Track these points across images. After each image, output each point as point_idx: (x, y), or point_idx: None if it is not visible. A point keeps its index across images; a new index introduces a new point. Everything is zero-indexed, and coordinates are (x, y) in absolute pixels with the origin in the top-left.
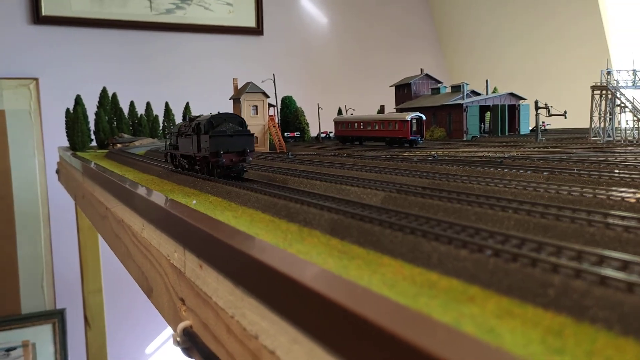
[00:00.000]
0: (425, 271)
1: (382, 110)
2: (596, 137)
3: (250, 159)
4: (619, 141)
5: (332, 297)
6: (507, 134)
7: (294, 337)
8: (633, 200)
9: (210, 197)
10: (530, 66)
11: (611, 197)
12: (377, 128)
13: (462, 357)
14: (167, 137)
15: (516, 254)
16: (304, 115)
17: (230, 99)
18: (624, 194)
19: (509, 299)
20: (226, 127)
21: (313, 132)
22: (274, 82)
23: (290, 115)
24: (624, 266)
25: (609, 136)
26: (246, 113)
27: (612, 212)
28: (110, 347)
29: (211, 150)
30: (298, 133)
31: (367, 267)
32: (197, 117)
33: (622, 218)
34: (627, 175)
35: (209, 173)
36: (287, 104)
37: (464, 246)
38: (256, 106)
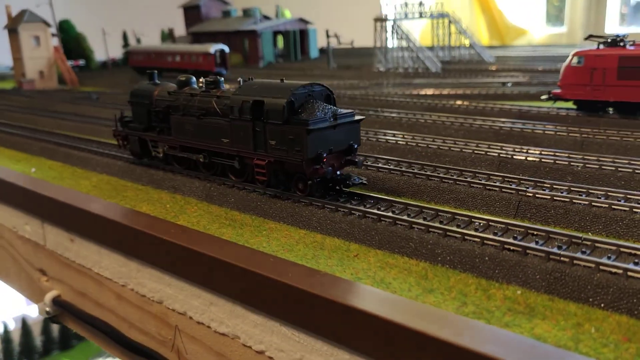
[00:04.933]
0: (309, 232)
1: (171, 34)
2: (379, 64)
3: (362, 160)
4: (396, 69)
5: (235, 263)
6: (299, 58)
7: (209, 300)
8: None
9: (48, 162)
10: None
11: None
12: (178, 60)
13: (376, 308)
14: (124, 117)
15: (380, 214)
16: (87, 41)
17: (4, 29)
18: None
19: (382, 252)
20: (321, 111)
21: (98, 57)
22: (51, 6)
23: (70, 42)
24: (452, 218)
25: (389, 65)
26: (26, 45)
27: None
28: None
29: (309, 156)
30: (83, 61)
31: (259, 233)
32: (213, 80)
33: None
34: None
35: (300, 189)
36: (66, 29)
37: (337, 210)
38: (38, 37)
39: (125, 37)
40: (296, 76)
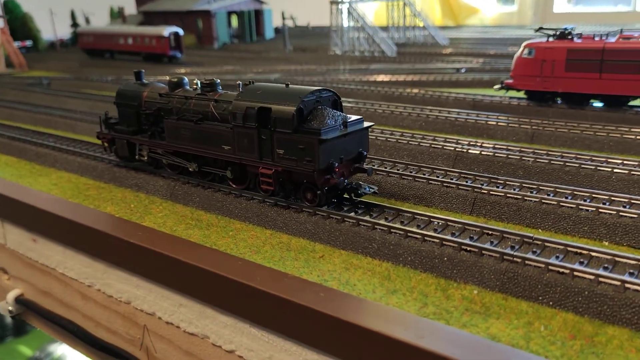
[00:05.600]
0: (275, 233)
1: (121, 13)
2: (335, 47)
3: (372, 169)
4: (352, 52)
5: (203, 266)
6: (255, 39)
7: (179, 302)
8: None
9: (3, 157)
10: None
11: None
12: (131, 42)
13: (345, 312)
14: (109, 117)
15: (344, 215)
16: (33, 21)
17: None
18: None
19: (347, 252)
20: (331, 118)
21: (46, 37)
22: None
23: (16, 22)
24: (412, 218)
25: (345, 48)
26: None
27: None
28: None
29: (321, 166)
30: (30, 42)
31: (226, 234)
32: (209, 83)
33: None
34: None
35: (309, 199)
36: (11, 9)
37: (301, 210)
38: None
39: (73, 16)
40: (253, 59)
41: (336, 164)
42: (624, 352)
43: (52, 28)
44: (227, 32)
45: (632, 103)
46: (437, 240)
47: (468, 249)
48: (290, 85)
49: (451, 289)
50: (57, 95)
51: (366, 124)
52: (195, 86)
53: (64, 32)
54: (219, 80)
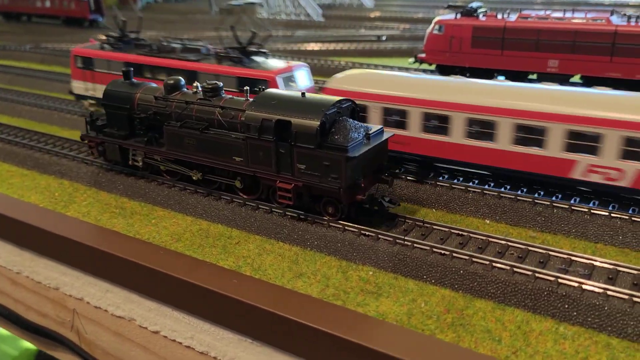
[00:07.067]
0: (196, 220)
1: None
2: (262, 9)
3: (392, 180)
4: (279, 15)
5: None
6: None
7: (105, 288)
8: None
9: None
10: None
11: None
12: (49, 5)
13: (254, 297)
14: (95, 117)
15: (258, 203)
16: None
17: None
18: None
19: (261, 237)
20: (355, 131)
21: None
22: None
23: None
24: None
25: (272, 10)
26: None
27: None
28: None
29: (348, 183)
30: None
31: (149, 222)
32: (212, 87)
33: None
34: None
35: (330, 213)
36: None
37: (219, 198)
38: None
39: None
40: (179, 22)
41: (361, 180)
42: (486, 322)
43: None
44: None
45: (531, 77)
46: (340, 226)
47: (367, 233)
48: (306, 95)
49: (350, 270)
50: None
51: (386, 134)
52: (195, 89)
53: None
54: (222, 85)
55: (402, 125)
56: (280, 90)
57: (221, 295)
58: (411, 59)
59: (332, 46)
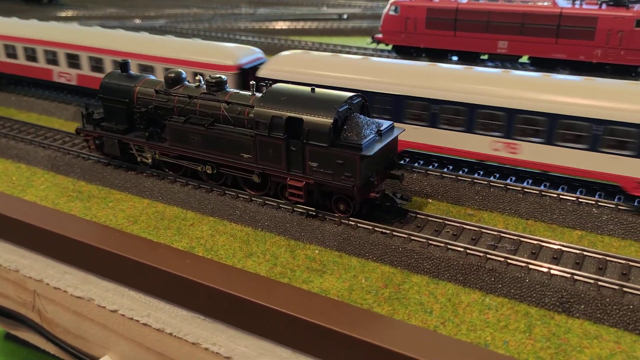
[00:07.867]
0: (152, 202)
1: None
2: None
3: (403, 175)
4: None
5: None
6: None
7: (64, 270)
8: None
9: None
10: None
11: None
12: None
13: (207, 277)
14: (92, 113)
15: (212, 185)
16: None
17: None
18: None
19: (214, 219)
20: (367, 128)
21: None
22: None
23: None
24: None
25: None
26: None
27: None
28: None
29: (362, 182)
30: None
31: (106, 205)
32: (216, 81)
33: None
34: None
35: (342, 210)
36: None
37: (175, 181)
38: None
39: None
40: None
41: (375, 177)
42: (420, 296)
43: None
44: None
45: (483, 58)
46: (289, 208)
47: (314, 214)
48: (315, 90)
49: (298, 249)
50: None
51: (396, 130)
52: (197, 83)
53: None
54: (225, 77)
55: None
56: (290, 86)
57: (175, 275)
58: (369, 40)
59: (293, 25)
